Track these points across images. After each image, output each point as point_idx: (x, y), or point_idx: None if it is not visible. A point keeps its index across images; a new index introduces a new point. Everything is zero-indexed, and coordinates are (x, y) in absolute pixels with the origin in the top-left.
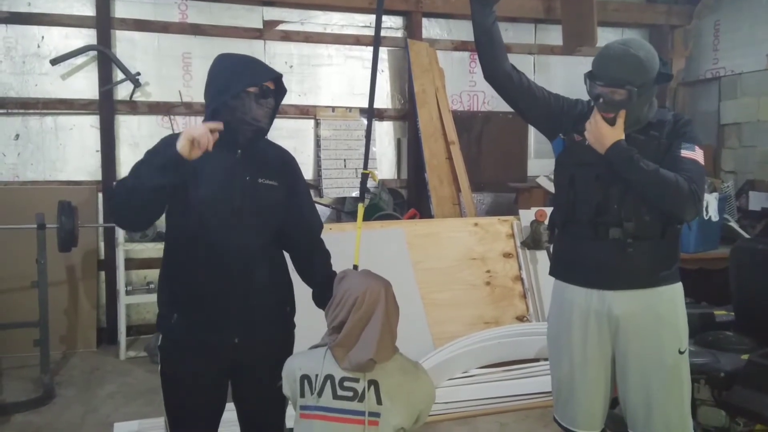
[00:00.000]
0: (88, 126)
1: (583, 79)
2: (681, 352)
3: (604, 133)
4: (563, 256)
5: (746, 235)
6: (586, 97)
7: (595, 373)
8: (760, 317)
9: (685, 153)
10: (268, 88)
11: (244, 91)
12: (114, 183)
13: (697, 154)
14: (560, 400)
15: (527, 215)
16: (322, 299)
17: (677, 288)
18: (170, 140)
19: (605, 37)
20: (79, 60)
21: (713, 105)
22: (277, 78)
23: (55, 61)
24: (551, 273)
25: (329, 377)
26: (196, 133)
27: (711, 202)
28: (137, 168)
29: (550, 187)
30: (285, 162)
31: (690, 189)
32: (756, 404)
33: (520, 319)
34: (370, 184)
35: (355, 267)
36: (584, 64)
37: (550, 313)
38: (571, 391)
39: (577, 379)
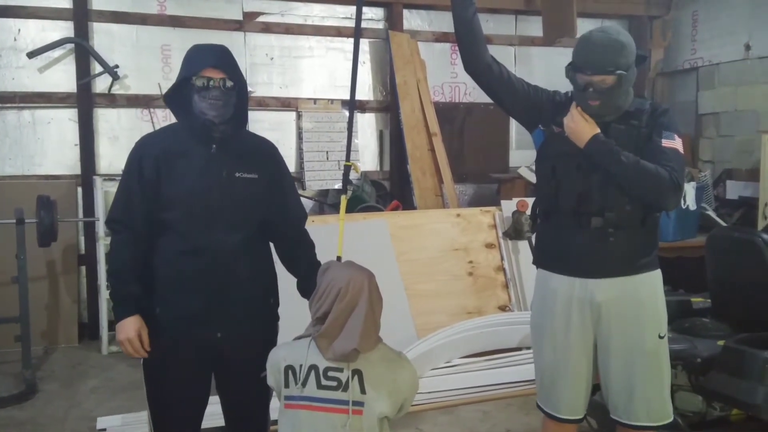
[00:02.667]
0: (66, 119)
1: (565, 71)
2: (661, 337)
3: (581, 127)
4: (546, 245)
5: (723, 224)
6: (565, 89)
7: (578, 360)
8: (735, 304)
9: (665, 143)
10: (206, 78)
11: (190, 84)
12: (107, 225)
13: (677, 143)
14: (543, 387)
15: (509, 206)
16: (307, 290)
17: (657, 274)
18: (135, 155)
19: (585, 28)
20: (57, 53)
21: (691, 95)
22: (221, 64)
23: (32, 54)
24: (534, 262)
25: (313, 367)
26: (120, 339)
27: (689, 191)
28: (111, 264)
29: (532, 178)
30: (265, 153)
31: (671, 179)
32: (732, 389)
33: (503, 308)
34: (353, 176)
35: (339, 258)
36: (565, 55)
37: (533, 302)
38: (554, 378)
39: (560, 366)
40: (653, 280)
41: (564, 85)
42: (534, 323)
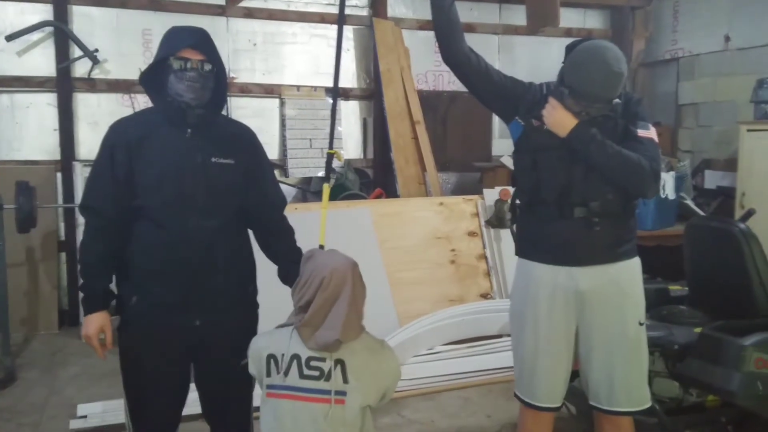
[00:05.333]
0: (45, 104)
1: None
2: (641, 324)
3: (562, 118)
4: (529, 236)
5: (701, 213)
6: (547, 79)
7: (558, 348)
8: (712, 292)
9: (641, 132)
10: (183, 59)
11: (166, 65)
12: (80, 212)
13: (652, 132)
14: (523, 375)
15: (491, 194)
16: (287, 276)
17: (636, 261)
18: (108, 140)
19: (568, 17)
20: (35, 36)
21: (672, 86)
22: (199, 45)
23: (10, 38)
24: (517, 253)
25: (295, 357)
26: (83, 334)
27: (668, 180)
28: (82, 255)
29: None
30: (242, 138)
31: (651, 168)
32: (708, 376)
33: (484, 296)
34: (336, 164)
35: (321, 247)
36: (548, 44)
37: (513, 292)
38: (534, 367)
39: (541, 355)
40: (633, 267)
41: (546, 75)
42: (515, 312)
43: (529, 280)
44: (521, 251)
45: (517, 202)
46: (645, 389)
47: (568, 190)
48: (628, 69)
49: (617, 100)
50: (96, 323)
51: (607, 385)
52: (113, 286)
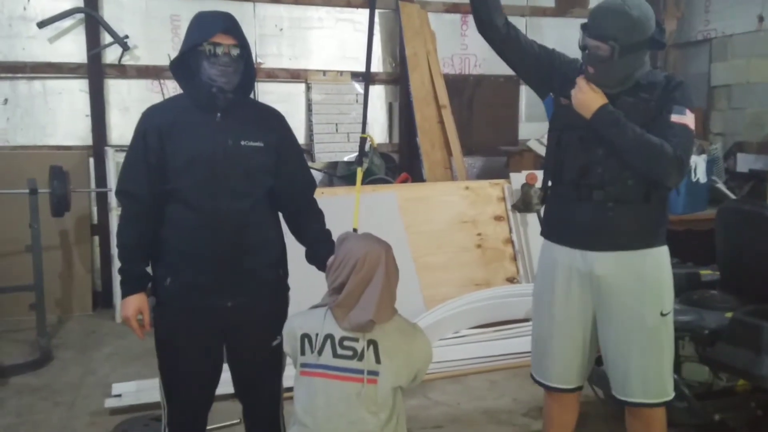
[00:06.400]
0: (77, 90)
1: (580, 30)
2: (663, 315)
3: (589, 98)
4: (551, 216)
5: (733, 197)
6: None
7: (573, 331)
8: (743, 276)
9: (675, 118)
10: (216, 44)
11: (197, 51)
12: (117, 197)
13: (687, 118)
14: (536, 355)
15: (518, 178)
16: (315, 257)
17: (662, 251)
18: (140, 127)
19: None
20: (67, 23)
21: (704, 67)
22: (231, 30)
23: (42, 24)
24: (542, 234)
25: (329, 336)
26: (123, 316)
27: (699, 164)
28: (119, 239)
29: (541, 151)
30: (271, 121)
31: (675, 155)
32: (738, 360)
33: (510, 280)
34: (366, 148)
35: (355, 230)
36: (576, 26)
37: (537, 273)
38: (547, 347)
39: (555, 335)
40: (658, 256)
41: (577, 56)
42: (536, 293)
43: (549, 262)
44: (544, 232)
45: (549, 183)
46: (664, 381)
47: (587, 172)
48: (658, 33)
49: (614, 44)
50: (134, 305)
51: (622, 374)
52: (149, 269)
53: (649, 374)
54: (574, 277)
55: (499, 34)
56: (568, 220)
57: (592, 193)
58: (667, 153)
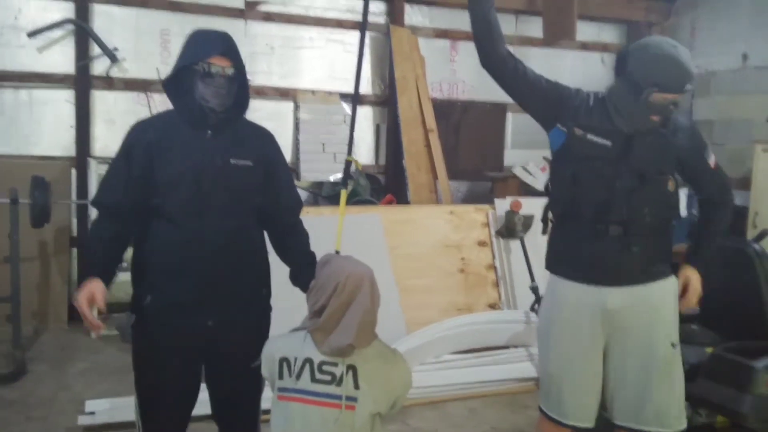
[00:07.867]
0: (63, 101)
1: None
2: (673, 346)
3: (696, 283)
4: (560, 251)
5: None
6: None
7: (585, 368)
8: (724, 312)
9: (712, 162)
10: (213, 65)
11: (192, 69)
12: (92, 206)
13: (713, 158)
14: (551, 393)
15: (502, 204)
16: (299, 278)
17: (671, 281)
18: (128, 140)
19: (584, 30)
20: (57, 33)
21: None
22: (228, 52)
23: (32, 34)
24: (547, 267)
25: (308, 360)
26: (75, 299)
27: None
28: (90, 234)
29: (526, 178)
30: (261, 140)
31: (730, 202)
32: (718, 396)
33: (492, 306)
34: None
35: (337, 252)
36: (563, 57)
37: (542, 307)
38: (562, 385)
39: (568, 374)
40: (668, 287)
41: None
42: (541, 328)
43: (555, 298)
44: (550, 266)
45: (550, 214)
46: (677, 411)
47: (606, 208)
48: None
49: (692, 89)
50: (87, 288)
51: (639, 404)
52: (127, 282)
53: (662, 405)
54: (583, 313)
55: (503, 66)
56: (581, 256)
57: (608, 228)
58: (729, 208)
